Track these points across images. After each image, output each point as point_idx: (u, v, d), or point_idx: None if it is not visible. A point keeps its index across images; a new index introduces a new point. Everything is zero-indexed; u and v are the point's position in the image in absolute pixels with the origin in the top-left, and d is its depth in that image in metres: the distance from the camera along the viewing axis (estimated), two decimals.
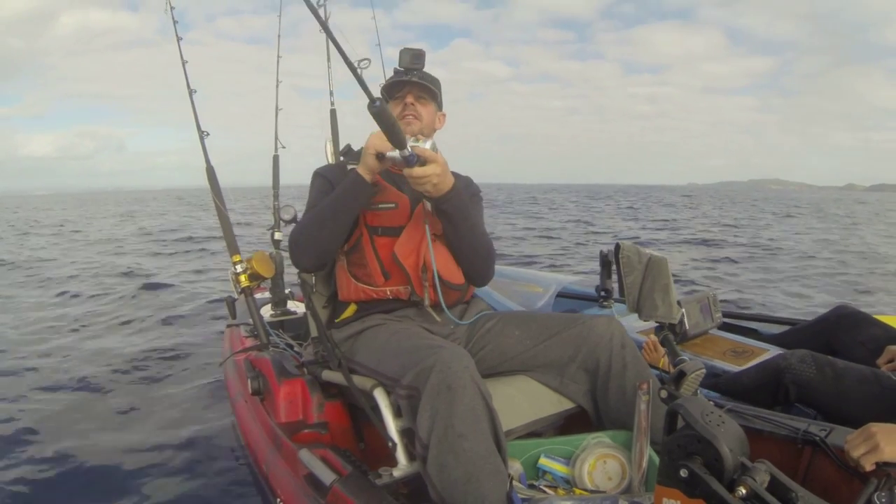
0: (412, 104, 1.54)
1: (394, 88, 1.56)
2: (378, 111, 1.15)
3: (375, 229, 1.51)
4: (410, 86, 1.55)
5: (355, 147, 1.69)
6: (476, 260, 1.53)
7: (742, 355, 2.00)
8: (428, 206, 1.47)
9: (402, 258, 1.46)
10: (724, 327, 2.30)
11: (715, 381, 1.79)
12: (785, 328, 2.27)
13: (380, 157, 1.36)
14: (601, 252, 2.22)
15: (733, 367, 1.89)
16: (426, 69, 1.56)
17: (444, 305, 1.45)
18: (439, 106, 1.63)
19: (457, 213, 1.43)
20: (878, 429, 1.11)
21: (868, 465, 1.10)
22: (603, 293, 2.24)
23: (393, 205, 1.50)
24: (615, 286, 2.26)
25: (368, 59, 1.27)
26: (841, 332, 1.89)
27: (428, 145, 1.30)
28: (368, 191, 1.42)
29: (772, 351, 1.99)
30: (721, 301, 2.31)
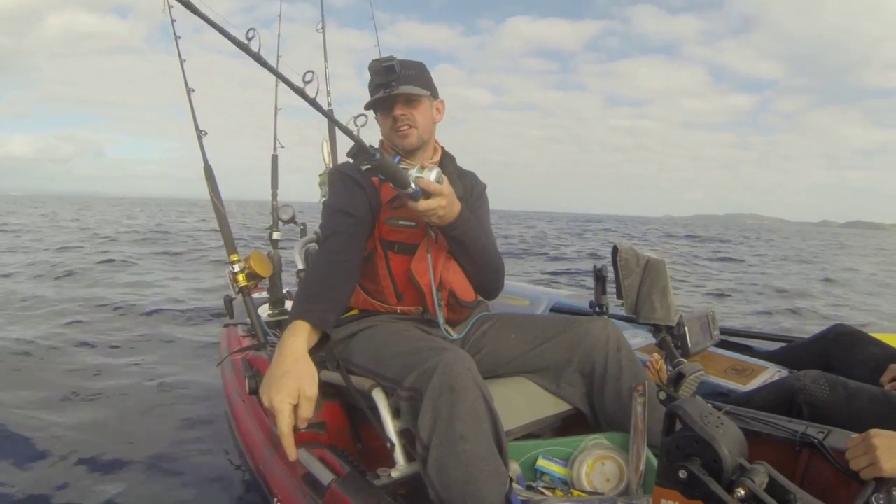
0: (402, 115, 1.48)
1: (378, 103, 1.49)
2: (377, 165, 1.15)
3: (392, 245, 1.48)
4: (394, 97, 1.47)
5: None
6: (487, 276, 1.53)
7: (743, 373, 2.00)
8: None
9: (418, 276, 1.45)
10: (720, 344, 2.31)
11: (724, 401, 1.78)
12: (780, 345, 2.27)
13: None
14: (595, 266, 2.22)
15: (739, 386, 1.88)
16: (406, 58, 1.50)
17: (443, 326, 1.46)
18: (434, 94, 1.56)
19: (466, 238, 1.42)
20: (880, 441, 1.09)
21: (866, 478, 1.09)
22: (597, 308, 2.25)
23: (413, 223, 1.47)
24: (610, 301, 2.27)
25: (365, 116, 1.20)
26: (840, 350, 1.89)
27: (433, 176, 1.29)
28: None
29: (771, 368, 2.00)
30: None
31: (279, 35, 2.83)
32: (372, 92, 1.49)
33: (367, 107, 1.49)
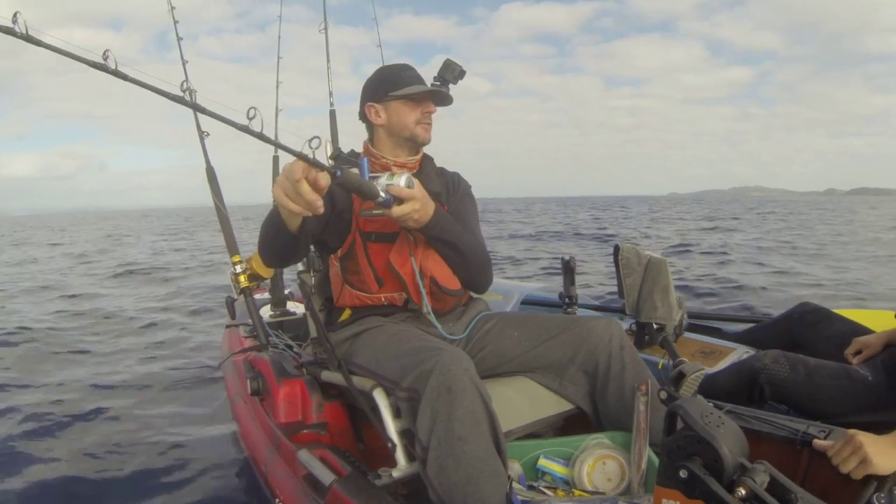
0: (430, 113, 1.54)
1: (420, 94, 1.51)
2: (340, 181, 1.12)
3: (369, 235, 1.49)
4: (436, 95, 1.53)
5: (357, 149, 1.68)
6: (472, 271, 1.53)
7: (711, 356, 2.01)
8: None
9: (398, 266, 1.46)
10: (689, 328, 2.32)
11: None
12: (748, 326, 2.29)
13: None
14: (563, 259, 2.26)
15: (707, 369, 1.89)
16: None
17: (433, 318, 1.47)
18: None
19: (445, 236, 1.43)
20: (865, 439, 1.09)
21: (857, 478, 1.09)
22: (567, 300, 2.27)
23: None
24: (578, 292, 2.31)
25: (319, 138, 1.08)
26: (805, 328, 1.92)
27: (402, 181, 1.29)
28: (293, 232, 1.27)
29: (739, 350, 2.01)
30: None
31: (279, 36, 2.83)
32: (403, 84, 1.50)
33: (400, 94, 1.50)
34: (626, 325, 2.01)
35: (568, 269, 2.26)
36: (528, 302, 2.61)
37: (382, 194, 1.25)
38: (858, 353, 1.68)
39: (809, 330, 1.90)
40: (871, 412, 1.45)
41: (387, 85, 1.52)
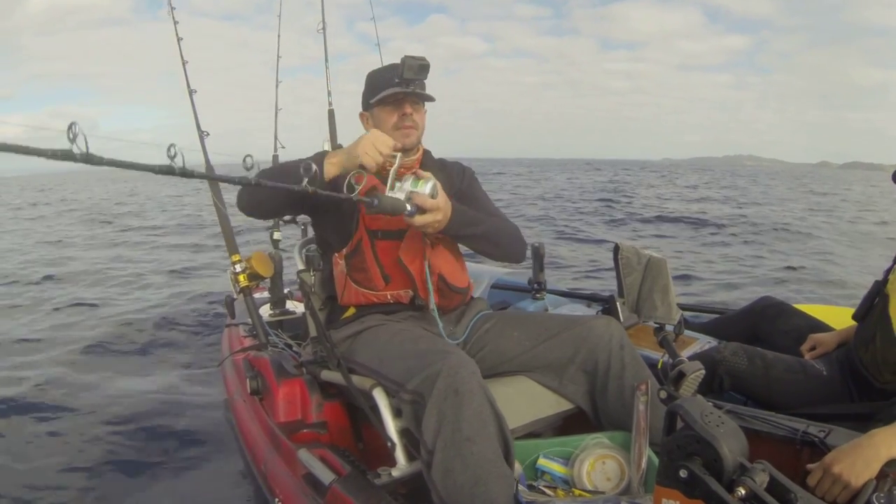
0: (411, 114, 1.50)
1: (390, 98, 1.49)
2: (378, 209, 1.22)
3: (375, 233, 1.49)
4: (410, 95, 1.49)
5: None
6: (503, 248, 1.55)
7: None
8: None
9: (408, 262, 1.46)
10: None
11: (652, 372, 1.83)
12: (712, 317, 2.34)
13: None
14: (532, 245, 2.32)
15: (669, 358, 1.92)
16: None
17: (436, 314, 1.48)
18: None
19: (465, 232, 1.45)
20: (840, 467, 1.10)
21: (844, 502, 1.10)
22: (536, 285, 2.32)
23: None
24: (547, 279, 2.37)
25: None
26: (765, 322, 1.98)
27: (428, 189, 1.30)
28: (316, 185, 1.23)
29: (701, 340, 2.06)
30: None
31: (279, 36, 2.83)
32: (382, 87, 1.49)
33: (376, 101, 1.50)
34: (593, 311, 2.05)
35: (537, 256, 2.33)
36: (497, 286, 2.66)
37: (408, 207, 1.28)
38: (813, 349, 1.75)
39: (769, 324, 1.96)
40: (825, 404, 1.52)
41: (369, 92, 1.54)
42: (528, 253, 2.29)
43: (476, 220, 1.48)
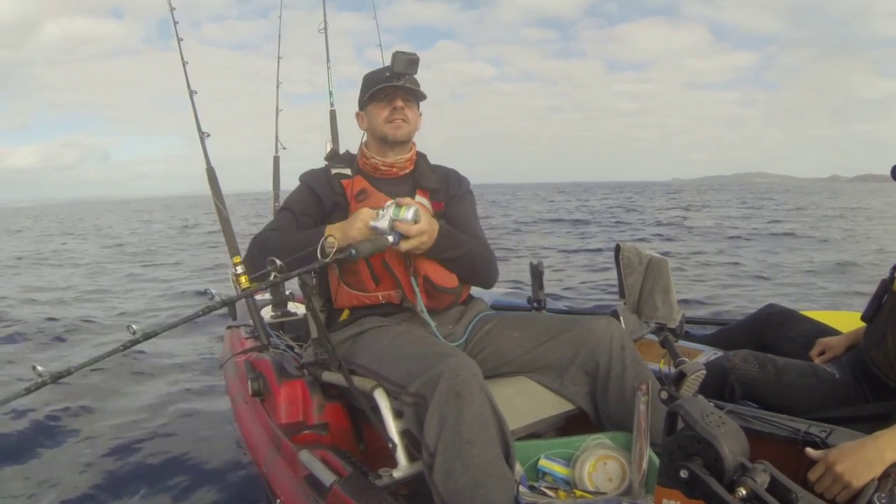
0: (401, 108, 1.54)
1: (381, 92, 1.54)
2: (358, 257, 1.27)
3: None
4: (401, 90, 1.53)
5: (353, 151, 1.69)
6: (478, 273, 1.58)
7: None
8: None
9: (393, 266, 1.49)
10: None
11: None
12: (715, 328, 2.31)
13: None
14: (531, 263, 2.27)
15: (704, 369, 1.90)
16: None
17: (426, 315, 1.49)
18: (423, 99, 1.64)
19: (448, 253, 1.48)
20: (843, 466, 1.10)
21: (843, 501, 1.10)
22: (535, 304, 2.28)
23: None
24: (547, 297, 2.31)
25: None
26: (772, 329, 1.96)
27: (410, 215, 1.33)
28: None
29: (706, 352, 2.03)
30: None
31: (279, 36, 2.83)
32: (374, 83, 1.55)
33: (369, 97, 1.55)
34: None
35: (536, 274, 2.28)
36: (496, 307, 2.61)
37: (390, 238, 1.32)
38: (822, 353, 1.73)
39: (776, 331, 1.94)
40: (839, 407, 1.50)
41: (364, 90, 1.58)
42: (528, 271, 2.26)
43: (459, 242, 1.51)
